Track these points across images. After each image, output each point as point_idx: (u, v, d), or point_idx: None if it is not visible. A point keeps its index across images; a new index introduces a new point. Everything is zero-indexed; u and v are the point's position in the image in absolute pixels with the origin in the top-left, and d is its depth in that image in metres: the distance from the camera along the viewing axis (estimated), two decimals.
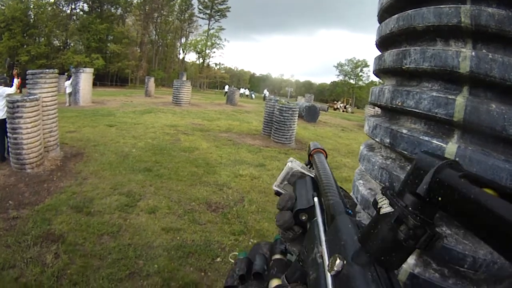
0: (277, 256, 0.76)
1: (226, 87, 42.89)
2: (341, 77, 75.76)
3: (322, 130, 17.48)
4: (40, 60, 41.46)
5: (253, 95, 50.55)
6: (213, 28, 66.92)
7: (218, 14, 67.08)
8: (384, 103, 1.65)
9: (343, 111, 45.49)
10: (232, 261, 0.86)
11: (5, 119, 6.49)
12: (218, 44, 66.98)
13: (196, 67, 66.86)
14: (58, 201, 5.18)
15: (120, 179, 6.33)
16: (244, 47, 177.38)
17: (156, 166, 7.34)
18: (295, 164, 0.86)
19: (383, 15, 1.84)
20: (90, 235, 4.30)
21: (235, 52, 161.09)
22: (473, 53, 1.26)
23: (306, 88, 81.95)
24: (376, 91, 1.78)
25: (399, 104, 1.52)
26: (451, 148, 1.28)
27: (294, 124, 11.89)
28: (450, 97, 1.31)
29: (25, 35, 42.97)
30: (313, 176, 0.80)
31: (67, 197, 5.35)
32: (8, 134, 6.19)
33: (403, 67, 1.53)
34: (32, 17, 44.19)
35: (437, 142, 1.33)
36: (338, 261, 0.42)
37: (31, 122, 6.19)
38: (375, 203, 0.44)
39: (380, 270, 0.40)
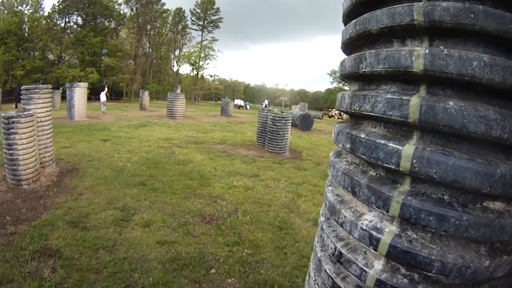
0: None
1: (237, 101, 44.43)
2: (335, 84, 76.09)
3: (316, 138, 17.61)
4: (35, 75, 41.60)
5: (247, 106, 50.73)
6: (206, 39, 67.41)
7: (211, 25, 67.66)
8: (345, 108, 1.67)
9: (338, 118, 45.57)
10: None
11: None
12: (211, 55, 67.45)
13: (190, 79, 67.29)
14: (54, 216, 5.25)
15: (115, 193, 6.42)
16: (238, 57, 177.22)
17: (151, 180, 7.43)
18: None
19: (346, 21, 1.83)
20: (86, 249, 4.38)
21: (229, 62, 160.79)
22: (427, 51, 1.23)
23: (301, 96, 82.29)
24: (339, 97, 1.79)
25: (357, 109, 1.53)
26: (407, 150, 1.25)
27: (287, 134, 12.02)
28: (404, 98, 1.29)
29: (20, 49, 43.11)
30: None
31: (63, 212, 5.42)
32: (4, 150, 6.27)
33: (360, 71, 1.54)
34: (27, 30, 44.40)
35: (393, 145, 1.31)
36: None
37: (26, 138, 6.27)
38: None
39: None
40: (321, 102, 79.38)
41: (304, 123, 20.78)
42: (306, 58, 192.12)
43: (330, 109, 56.09)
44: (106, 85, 26.01)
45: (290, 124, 12.13)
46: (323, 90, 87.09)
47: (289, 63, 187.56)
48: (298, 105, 35.64)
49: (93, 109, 21.91)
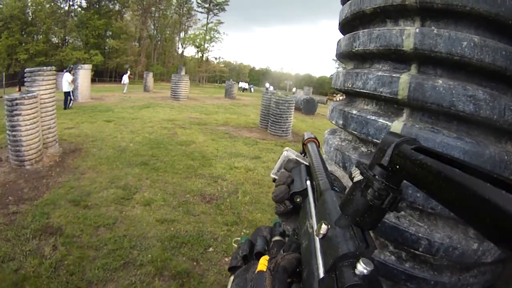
0: (277, 238, 0.83)
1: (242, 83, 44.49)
2: (340, 69, 75.35)
3: (319, 123, 17.54)
4: (39, 58, 41.30)
5: (252, 89, 50.42)
6: (211, 22, 66.64)
7: (217, 8, 66.68)
8: (339, 86, 1.68)
9: None
10: (236, 245, 0.93)
11: (69, 92, 13.42)
12: (216, 38, 66.79)
13: (195, 61, 66.77)
14: (56, 195, 5.31)
15: (117, 173, 6.46)
16: (243, 40, 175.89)
17: (153, 160, 7.46)
18: (290, 153, 0.92)
19: (343, 1, 1.85)
20: (87, 227, 4.44)
21: (235, 45, 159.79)
22: (417, 30, 1.22)
23: (306, 81, 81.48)
24: (334, 75, 1.81)
25: (350, 86, 1.53)
26: (396, 126, 1.27)
27: (290, 117, 12.00)
28: (394, 75, 1.30)
29: (23, 33, 42.75)
30: (307, 164, 0.85)
31: (65, 191, 5.48)
32: (7, 132, 6.30)
33: (353, 50, 1.54)
34: (30, 15, 43.92)
35: (383, 121, 1.33)
36: (323, 226, 0.49)
37: (29, 119, 6.29)
38: (350, 174, 0.52)
39: (357, 229, 0.48)
40: (326, 87, 78.74)
41: (308, 107, 20.69)
42: (312, 43, 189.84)
43: (335, 94, 55.71)
44: (129, 69, 29.28)
45: (293, 107, 12.09)
46: (328, 76, 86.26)
47: (295, 48, 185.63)
48: (303, 89, 35.22)
49: (97, 91, 21.88)
